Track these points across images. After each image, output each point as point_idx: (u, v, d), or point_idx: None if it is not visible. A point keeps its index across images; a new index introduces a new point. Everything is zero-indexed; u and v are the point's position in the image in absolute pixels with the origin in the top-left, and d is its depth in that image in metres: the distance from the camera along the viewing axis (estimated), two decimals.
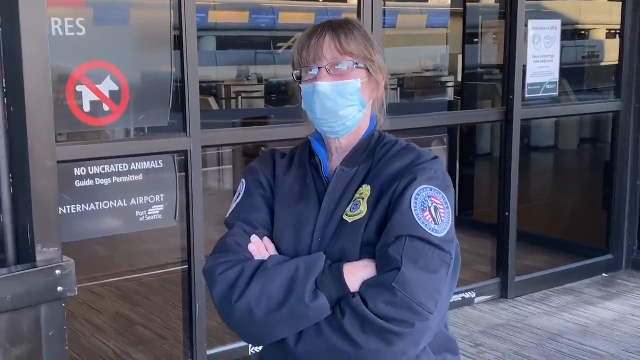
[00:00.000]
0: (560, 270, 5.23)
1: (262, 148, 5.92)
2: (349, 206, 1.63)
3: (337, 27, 1.65)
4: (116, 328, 4.27)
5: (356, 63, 1.64)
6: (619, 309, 4.73)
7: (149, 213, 3.58)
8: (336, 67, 1.63)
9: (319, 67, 1.63)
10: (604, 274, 5.38)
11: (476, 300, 4.81)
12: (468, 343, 4.17)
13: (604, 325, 4.44)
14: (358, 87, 1.65)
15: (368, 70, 1.66)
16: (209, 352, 3.78)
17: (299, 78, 1.67)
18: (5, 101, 1.97)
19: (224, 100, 10.07)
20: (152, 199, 3.59)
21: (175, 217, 3.67)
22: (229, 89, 10.16)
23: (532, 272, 5.11)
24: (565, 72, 5.34)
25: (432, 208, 1.57)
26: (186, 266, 3.72)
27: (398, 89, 9.56)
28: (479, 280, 4.91)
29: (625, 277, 5.35)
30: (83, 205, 3.38)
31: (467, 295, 4.78)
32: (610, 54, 5.60)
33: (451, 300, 4.85)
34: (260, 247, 1.65)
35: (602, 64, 6.21)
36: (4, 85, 1.95)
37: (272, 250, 1.65)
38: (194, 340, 3.74)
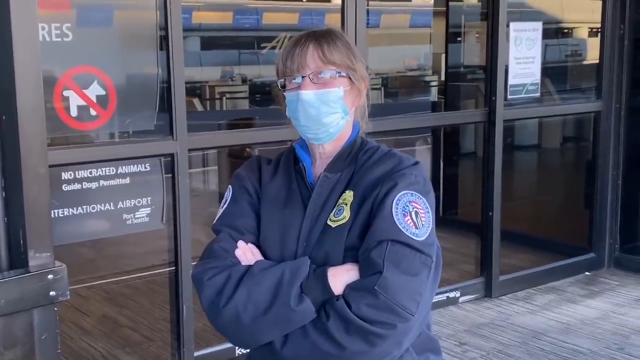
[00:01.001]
0: (544, 269, 5.27)
1: (248, 149, 5.95)
2: (333, 211, 1.66)
3: (320, 37, 1.69)
4: (103, 330, 4.27)
5: (339, 72, 1.67)
6: (601, 307, 4.79)
7: (136, 216, 3.59)
8: (319, 76, 1.66)
9: (302, 76, 1.66)
10: (586, 273, 5.43)
11: (461, 299, 4.85)
12: (453, 342, 4.22)
13: (586, 323, 4.50)
14: (341, 95, 1.68)
15: (350, 78, 1.69)
16: (196, 353, 3.80)
17: (284, 87, 1.70)
18: None
19: (208, 101, 10.03)
20: (139, 202, 3.60)
21: (162, 220, 3.69)
22: (214, 90, 10.11)
23: (516, 271, 5.16)
24: (548, 70, 5.39)
25: (413, 213, 1.60)
26: (173, 268, 3.74)
27: (382, 88, 9.56)
28: (463, 279, 4.94)
29: (608, 275, 5.41)
30: (71, 209, 3.38)
31: (451, 294, 4.81)
32: (593, 52, 5.64)
33: (436, 300, 4.91)
34: (246, 253, 1.67)
35: (585, 62, 6.26)
36: None
37: (259, 256, 1.68)
38: (182, 342, 3.75)
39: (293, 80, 1.68)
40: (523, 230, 5.58)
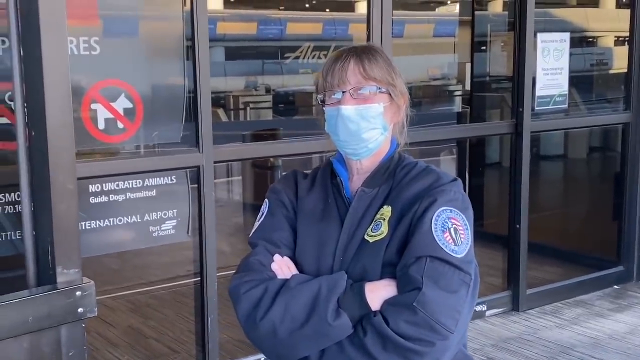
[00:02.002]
0: (572, 283, 5.22)
1: (272, 160, 5.94)
2: (371, 226, 1.67)
3: (361, 52, 1.70)
4: (129, 342, 4.28)
5: (379, 88, 1.69)
6: (630, 321, 4.72)
7: (162, 228, 3.60)
8: (360, 91, 1.67)
9: (343, 91, 1.67)
10: (615, 286, 5.36)
11: (487, 313, 4.81)
12: (480, 357, 4.17)
13: (615, 338, 4.43)
14: (381, 111, 1.69)
15: (390, 95, 1.70)
16: None
17: (323, 101, 1.72)
18: (27, 126, 1.99)
19: (232, 111, 10.10)
20: (165, 214, 3.60)
21: (188, 232, 3.68)
22: (238, 100, 10.20)
23: (544, 284, 5.10)
24: (574, 80, 5.34)
25: (452, 229, 1.60)
26: (198, 279, 3.73)
27: (409, 100, 9.58)
28: (490, 293, 4.90)
29: (637, 289, 5.34)
30: (98, 222, 3.40)
31: (478, 308, 4.77)
32: (619, 61, 5.59)
33: None
34: (283, 267, 1.68)
35: (611, 72, 6.21)
36: (26, 111, 1.97)
37: (295, 270, 1.69)
38: (207, 354, 3.74)
39: (333, 96, 1.69)
40: (550, 243, 5.53)
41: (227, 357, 3.86)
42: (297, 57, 11.28)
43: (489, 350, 4.27)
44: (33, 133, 1.97)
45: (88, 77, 3.31)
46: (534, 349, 4.28)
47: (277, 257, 1.69)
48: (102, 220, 3.42)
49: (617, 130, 5.50)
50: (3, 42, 2.95)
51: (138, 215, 3.52)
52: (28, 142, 1.99)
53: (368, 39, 4.06)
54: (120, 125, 3.38)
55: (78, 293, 1.97)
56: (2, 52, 2.99)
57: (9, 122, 2.91)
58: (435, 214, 1.60)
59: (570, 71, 5.12)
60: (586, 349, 4.26)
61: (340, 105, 1.67)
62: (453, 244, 1.59)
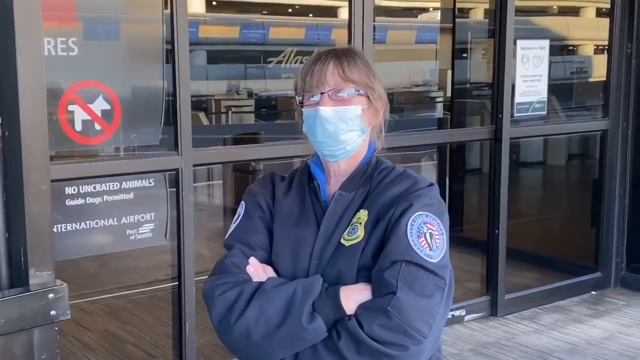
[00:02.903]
0: (550, 288, 5.24)
1: (253, 164, 5.92)
2: (347, 230, 1.67)
3: (341, 55, 1.71)
4: (105, 346, 4.25)
5: (358, 90, 1.69)
6: (607, 327, 4.74)
7: (139, 232, 3.58)
8: (338, 93, 1.68)
9: (321, 93, 1.68)
10: (593, 292, 5.39)
11: (466, 318, 4.82)
12: None
13: (592, 344, 4.45)
14: (359, 113, 1.69)
15: (369, 97, 1.71)
16: None
17: (302, 103, 1.72)
18: (0, 126, 1.97)
19: (214, 115, 10.08)
20: (142, 217, 3.59)
21: (166, 236, 3.67)
22: (219, 104, 10.18)
23: (522, 289, 5.12)
24: (554, 88, 5.38)
25: (428, 234, 1.61)
26: (176, 283, 3.71)
27: (388, 104, 9.59)
28: (468, 298, 4.91)
29: (614, 295, 5.37)
30: (74, 224, 3.38)
31: (457, 313, 4.78)
32: (599, 70, 5.64)
33: None
34: (258, 269, 1.68)
35: (591, 80, 6.26)
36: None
37: (271, 273, 1.69)
38: (183, 358, 3.73)
39: (312, 97, 1.70)
40: (529, 249, 5.56)
41: None
42: (279, 62, 11.28)
43: (467, 355, 4.28)
44: (6, 133, 1.95)
45: (66, 78, 3.29)
46: (512, 354, 4.29)
47: (252, 259, 1.69)
48: (78, 223, 3.39)
49: (596, 137, 5.53)
50: None
51: (115, 218, 3.50)
52: (1, 143, 1.97)
53: (349, 44, 4.08)
54: (97, 127, 3.36)
55: (51, 295, 1.95)
56: None
57: None
58: (411, 219, 1.61)
59: (551, 79, 5.15)
60: (564, 355, 4.27)
61: (319, 106, 1.67)
62: (428, 248, 1.59)
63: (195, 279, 3.59)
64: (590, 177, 5.73)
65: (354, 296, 1.58)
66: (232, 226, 1.79)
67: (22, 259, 1.95)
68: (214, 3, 11.71)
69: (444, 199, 5.92)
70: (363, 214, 1.67)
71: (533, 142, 5.98)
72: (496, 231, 4.86)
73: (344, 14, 4.33)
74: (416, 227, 1.60)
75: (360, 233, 1.65)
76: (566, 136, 5.87)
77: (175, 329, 3.78)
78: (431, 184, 1.71)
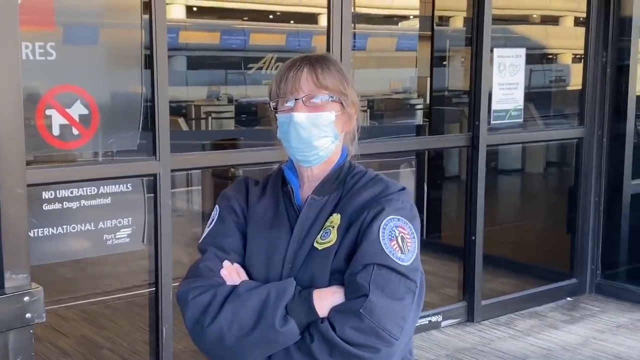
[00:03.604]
0: (526, 294, 5.27)
1: (232, 169, 5.93)
2: (320, 234, 1.67)
3: (315, 62, 1.71)
4: (82, 352, 4.22)
5: (331, 97, 1.70)
6: (582, 333, 4.78)
7: (117, 237, 3.57)
8: (312, 100, 1.68)
9: (295, 99, 1.68)
10: (568, 298, 5.43)
11: (443, 324, 4.83)
12: None
13: (567, 349, 4.48)
14: (332, 119, 1.70)
15: (342, 104, 1.72)
16: None
17: (276, 108, 1.72)
18: None
19: (194, 121, 10.06)
20: (120, 222, 3.58)
21: (143, 241, 3.67)
22: (199, 109, 10.16)
23: (498, 296, 5.15)
24: (532, 96, 5.43)
25: (399, 238, 1.62)
26: (153, 289, 3.70)
27: (368, 111, 9.62)
28: (445, 304, 4.93)
29: (589, 301, 5.41)
30: (51, 229, 3.36)
31: (434, 319, 4.80)
32: (577, 78, 5.68)
33: (418, 324, 4.85)
34: (232, 273, 1.67)
35: (569, 88, 6.30)
36: None
37: (244, 276, 1.68)
38: None
39: (286, 103, 1.70)
40: (505, 255, 5.58)
41: None
42: (260, 68, 11.28)
43: None
44: None
45: (43, 82, 3.28)
46: None
47: (226, 263, 1.69)
48: (55, 228, 3.38)
49: (573, 145, 5.56)
50: None
51: (92, 223, 3.49)
52: None
53: (328, 51, 4.10)
54: (75, 131, 3.35)
55: (26, 298, 1.94)
56: None
57: None
58: (383, 223, 1.62)
59: (530, 87, 5.20)
60: None
61: (293, 112, 1.68)
62: (400, 252, 1.60)
63: (173, 284, 3.58)
64: (567, 184, 5.76)
65: (326, 299, 1.59)
66: (206, 230, 1.78)
67: None
68: (195, 9, 11.70)
69: (422, 206, 5.98)
70: (336, 218, 1.68)
71: (511, 150, 6.01)
72: (473, 237, 4.89)
73: (323, 20, 4.35)
74: (388, 231, 1.61)
75: (333, 237, 1.65)
76: (544, 144, 5.91)
77: (152, 334, 3.76)
78: (403, 189, 1.72)
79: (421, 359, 4.28)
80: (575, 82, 5.75)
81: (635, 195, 5.51)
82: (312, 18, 11.84)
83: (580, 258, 5.51)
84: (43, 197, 3.33)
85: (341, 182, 1.74)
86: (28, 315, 1.95)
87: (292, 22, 12.75)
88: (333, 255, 1.63)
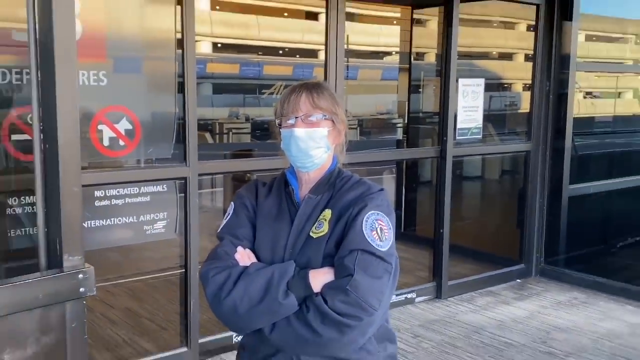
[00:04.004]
0: (484, 277, 5.28)
1: (248, 175, 5.93)
2: (314, 225, 1.67)
3: (312, 87, 1.71)
4: (126, 321, 4.22)
5: (325, 116, 1.70)
6: (529, 308, 4.79)
7: (154, 228, 3.58)
8: (309, 118, 1.68)
9: (295, 117, 1.68)
10: (517, 280, 5.44)
11: (416, 300, 4.85)
12: (409, 335, 4.20)
13: (517, 321, 4.50)
14: (325, 134, 1.70)
15: (333, 121, 1.72)
16: (200, 340, 3.79)
17: (280, 125, 1.72)
18: (42, 141, 1.99)
19: (217, 135, 10.05)
20: (157, 216, 3.59)
21: (175, 231, 3.67)
22: (222, 126, 10.15)
23: (461, 277, 5.15)
24: (491, 117, 5.42)
25: (379, 229, 1.61)
26: (183, 270, 3.72)
27: (358, 128, 9.61)
28: (419, 284, 4.94)
29: (535, 282, 5.43)
30: (101, 221, 3.38)
31: (409, 295, 4.81)
32: (525, 103, 5.70)
33: (396, 300, 4.85)
34: (244, 256, 1.67)
35: (519, 111, 6.30)
36: (41, 127, 1.97)
37: (253, 259, 1.68)
38: (189, 331, 3.73)
39: (288, 121, 1.70)
40: (467, 245, 5.56)
41: (205, 333, 3.83)
42: (271, 93, 11.28)
43: (417, 329, 4.31)
44: (47, 146, 1.96)
45: (96, 103, 3.29)
46: (453, 329, 4.33)
47: (239, 248, 1.69)
48: (104, 220, 3.39)
49: (522, 157, 5.57)
50: (27, 73, 2.93)
51: (134, 217, 3.50)
52: (43, 154, 1.98)
53: (325, 80, 4.12)
54: (121, 143, 3.37)
55: (80, 276, 1.95)
56: (25, 82, 2.98)
57: (29, 138, 2.91)
58: (366, 216, 1.61)
59: (489, 110, 5.20)
60: (494, 330, 4.33)
61: (293, 128, 1.68)
62: (379, 240, 1.60)
63: (199, 267, 3.58)
64: (517, 188, 5.76)
65: (320, 278, 1.58)
66: (224, 221, 1.78)
67: (58, 247, 1.94)
68: (219, 45, 11.71)
69: (401, 205, 5.94)
70: (328, 213, 1.68)
71: (472, 160, 6.00)
72: (441, 230, 4.90)
73: (322, 55, 4.37)
74: (369, 223, 1.61)
75: (325, 228, 1.65)
76: (499, 155, 5.90)
77: (182, 307, 3.78)
78: (381, 189, 1.71)
79: (399, 328, 4.28)
80: (524, 106, 5.75)
81: (572, 197, 5.52)
82: (313, 53, 11.85)
83: (527, 248, 5.52)
84: (95, 196, 3.34)
85: (332, 184, 1.73)
86: (82, 289, 1.96)
87: (297, 56, 12.76)
88: (325, 242, 1.63)
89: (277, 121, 1.73)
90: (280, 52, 12.73)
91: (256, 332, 1.62)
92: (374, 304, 1.55)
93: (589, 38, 6.32)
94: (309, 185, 1.75)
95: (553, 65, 5.35)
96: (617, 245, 5.94)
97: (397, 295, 4.68)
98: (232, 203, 1.82)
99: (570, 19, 5.27)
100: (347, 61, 4.36)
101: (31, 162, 2.03)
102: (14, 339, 1.86)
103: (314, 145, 1.69)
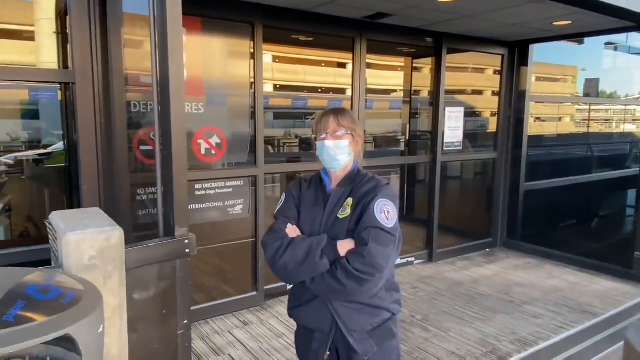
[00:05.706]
0: (462, 247, 5.19)
1: (297, 174, 5.94)
2: (340, 209, 1.66)
3: (337, 111, 1.71)
4: (214, 274, 4.27)
5: (347, 131, 1.68)
6: (495, 269, 4.70)
7: (234, 210, 3.62)
8: (336, 133, 1.67)
9: (326, 133, 1.68)
10: (487, 250, 5.34)
11: (415, 262, 4.79)
12: (409, 286, 4.17)
13: (487, 278, 4.42)
14: (347, 144, 1.69)
15: (353, 135, 1.70)
16: (266, 287, 3.82)
17: (315, 138, 1.72)
18: (161, 150, 2.02)
19: (276, 148, 10.11)
20: (236, 202, 3.63)
21: (248, 212, 3.71)
22: (280, 141, 10.21)
23: (447, 247, 5.07)
24: (468, 135, 5.33)
25: (386, 211, 1.60)
26: (254, 239, 3.76)
27: (373, 143, 9.53)
28: (416, 251, 4.88)
29: (499, 252, 5.31)
30: (199, 205, 3.43)
31: (409, 259, 4.76)
32: (492, 125, 5.59)
33: (400, 262, 4.75)
34: (292, 231, 1.67)
35: (488, 131, 6.19)
36: (160, 140, 2.01)
37: (299, 232, 1.68)
38: (258, 280, 3.77)
39: (321, 136, 1.69)
40: (451, 224, 5.49)
41: (268, 282, 3.86)
42: (313, 119, 11.27)
43: (415, 283, 4.27)
44: (164, 153, 2.00)
45: (196, 125, 3.34)
46: (441, 283, 4.27)
47: (289, 225, 1.69)
48: (202, 204, 3.45)
49: (491, 163, 5.48)
50: (150, 104, 3.01)
51: (221, 202, 3.55)
52: (161, 159, 2.02)
53: (351, 109, 4.10)
54: (213, 152, 3.42)
55: (186, 241, 1.97)
56: (149, 110, 3.06)
57: (151, 148, 3.00)
58: (377, 203, 1.60)
59: (466, 130, 5.12)
60: (470, 284, 4.26)
61: (325, 140, 1.67)
62: (386, 219, 1.58)
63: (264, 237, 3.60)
64: (487, 185, 5.66)
65: (345, 246, 1.58)
66: (278, 206, 1.78)
67: (172, 221, 1.95)
68: (277, 86, 11.78)
69: (404, 196, 5.82)
70: (350, 200, 1.66)
71: (454, 165, 5.93)
72: (432, 214, 4.84)
73: (349, 92, 4.36)
74: (379, 208, 1.59)
75: (348, 211, 1.64)
76: (473, 161, 5.82)
77: (253, 264, 3.82)
78: (387, 183, 1.69)
79: (402, 282, 4.24)
80: (492, 127, 5.64)
81: (527, 191, 5.39)
82: (342, 91, 11.81)
83: (494, 226, 5.41)
84: (195, 187, 3.39)
85: (353, 179, 1.71)
86: (187, 250, 1.97)
87: (330, 93, 12.76)
88: (348, 221, 1.62)
89: (313, 136, 1.73)
90: (319, 90, 12.76)
91: (301, 283, 1.63)
92: (383, 265, 1.54)
93: (539, 79, 6.16)
94: (337, 180, 1.73)
95: (513, 98, 5.23)
96: (560, 225, 5.77)
97: (400, 259, 4.64)
98: (284, 193, 1.81)
99: (526, 65, 5.14)
100: (366, 96, 4.35)
101: (153, 165, 2.07)
102: (141, 284, 1.88)
103: (339, 152, 1.68)
